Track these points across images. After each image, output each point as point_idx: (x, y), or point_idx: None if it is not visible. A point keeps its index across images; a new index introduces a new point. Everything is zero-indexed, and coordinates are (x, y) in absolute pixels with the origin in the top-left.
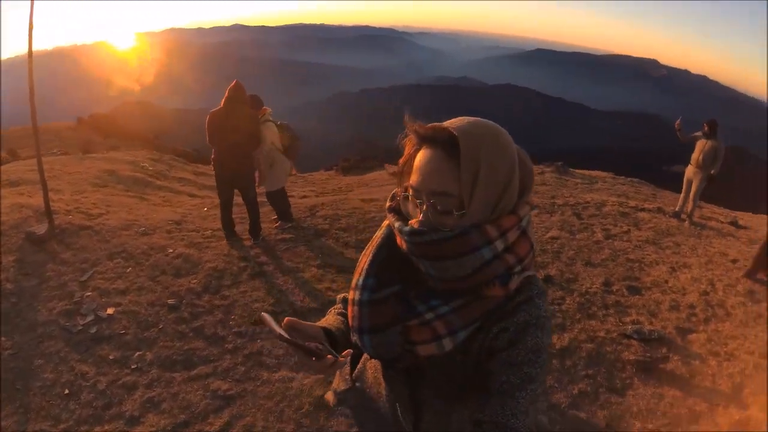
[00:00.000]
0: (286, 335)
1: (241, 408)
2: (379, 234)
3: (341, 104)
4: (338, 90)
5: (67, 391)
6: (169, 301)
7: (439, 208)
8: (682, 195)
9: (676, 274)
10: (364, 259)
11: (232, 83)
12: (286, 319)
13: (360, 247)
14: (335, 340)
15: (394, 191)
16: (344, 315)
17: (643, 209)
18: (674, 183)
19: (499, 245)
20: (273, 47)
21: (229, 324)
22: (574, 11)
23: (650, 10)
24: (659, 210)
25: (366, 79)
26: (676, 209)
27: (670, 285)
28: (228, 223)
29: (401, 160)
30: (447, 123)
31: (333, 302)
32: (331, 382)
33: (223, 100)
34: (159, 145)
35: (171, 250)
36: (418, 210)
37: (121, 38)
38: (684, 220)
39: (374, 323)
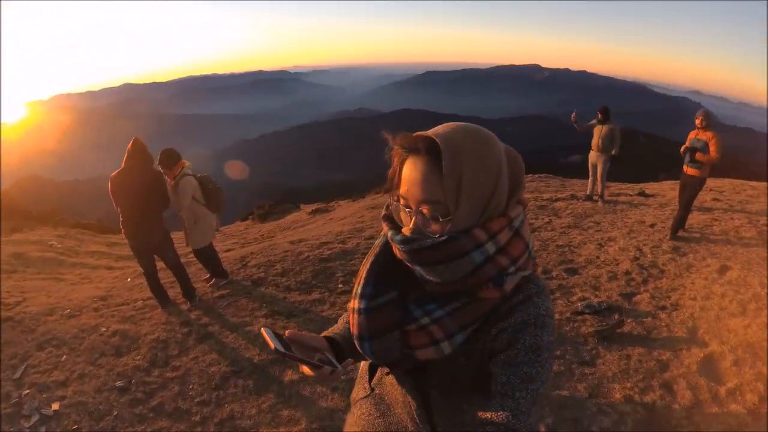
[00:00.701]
0: (281, 349)
1: None
2: (377, 243)
3: (242, 152)
4: (237, 138)
5: None
6: (117, 384)
7: (427, 215)
8: (590, 179)
9: (604, 249)
10: (363, 269)
11: (132, 141)
12: (287, 332)
13: (302, 288)
14: (340, 347)
15: (387, 203)
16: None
17: (557, 199)
18: (576, 171)
19: (490, 248)
20: (166, 102)
21: (189, 395)
22: (456, 32)
23: (527, 17)
24: (572, 197)
25: (264, 124)
26: (588, 193)
27: (602, 259)
28: (158, 290)
29: (390, 172)
30: (431, 131)
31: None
32: (321, 429)
33: (124, 159)
34: (61, 221)
35: (104, 329)
36: (409, 218)
37: (7, 111)
38: (597, 201)
39: (373, 330)
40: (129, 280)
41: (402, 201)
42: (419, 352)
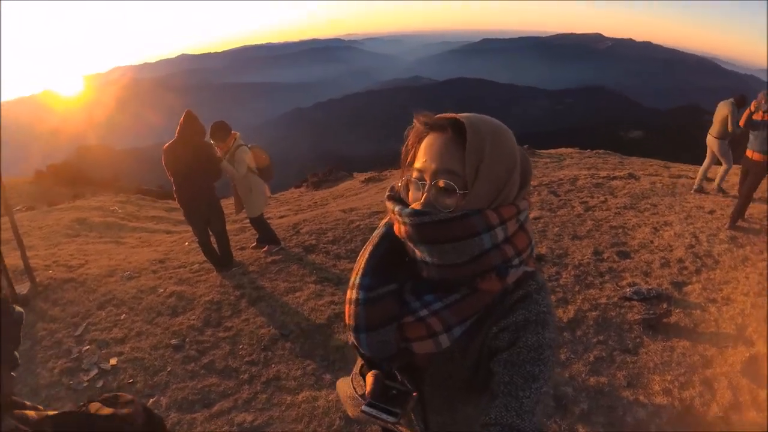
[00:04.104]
0: (396, 411)
1: None
2: (377, 233)
3: (297, 120)
4: (292, 106)
5: None
6: (172, 342)
7: (442, 185)
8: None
9: (659, 233)
10: (362, 259)
11: (184, 113)
12: (367, 394)
13: (351, 257)
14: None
15: (392, 185)
16: None
17: (614, 177)
18: (635, 149)
19: (500, 233)
20: (221, 72)
21: (239, 354)
22: None
23: None
24: (630, 176)
25: (318, 92)
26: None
27: (656, 244)
28: (212, 254)
29: (404, 150)
30: (454, 114)
31: (338, 316)
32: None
33: (176, 131)
34: (122, 187)
35: (162, 290)
36: (420, 193)
37: (68, 84)
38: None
39: (370, 322)
40: (186, 244)
41: (416, 175)
42: (416, 345)
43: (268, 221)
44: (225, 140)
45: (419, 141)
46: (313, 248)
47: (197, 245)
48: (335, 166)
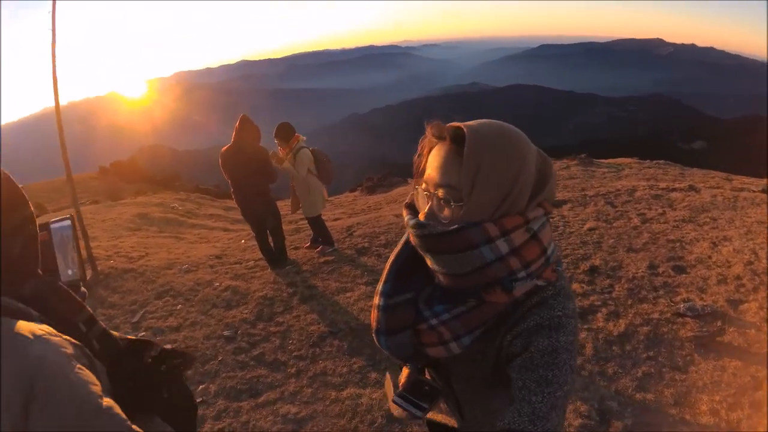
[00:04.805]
0: (424, 405)
1: (314, 429)
2: (401, 240)
3: (354, 125)
4: (349, 112)
5: None
6: (225, 333)
7: (441, 198)
8: None
9: (718, 249)
10: (386, 267)
11: (239, 118)
12: (401, 386)
13: None
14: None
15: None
16: None
17: (674, 189)
18: (696, 160)
19: (502, 246)
20: (279, 78)
21: (288, 349)
22: (573, 3)
23: None
24: (691, 188)
25: (375, 99)
26: None
27: (714, 260)
28: (268, 252)
29: (416, 158)
30: (463, 123)
31: None
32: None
33: (233, 135)
34: (182, 186)
35: (218, 284)
36: (426, 203)
37: (132, 87)
38: None
39: (389, 326)
40: (243, 242)
41: (423, 185)
42: (430, 350)
43: None
44: (288, 141)
45: (430, 151)
46: (366, 251)
47: (253, 243)
48: (390, 171)
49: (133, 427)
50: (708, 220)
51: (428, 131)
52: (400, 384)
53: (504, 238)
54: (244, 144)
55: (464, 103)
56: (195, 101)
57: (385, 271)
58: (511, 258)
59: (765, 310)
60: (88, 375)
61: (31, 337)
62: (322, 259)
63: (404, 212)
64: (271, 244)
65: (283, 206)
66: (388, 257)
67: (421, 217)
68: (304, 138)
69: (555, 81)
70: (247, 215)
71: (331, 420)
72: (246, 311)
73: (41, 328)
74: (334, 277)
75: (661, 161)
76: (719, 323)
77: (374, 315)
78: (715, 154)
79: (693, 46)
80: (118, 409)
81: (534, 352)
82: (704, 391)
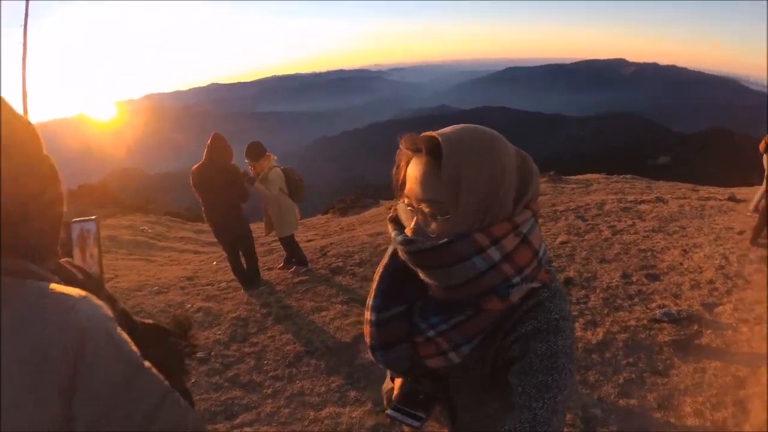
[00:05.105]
0: (421, 415)
1: None
2: (387, 252)
3: (324, 148)
4: (319, 135)
5: None
6: (198, 355)
7: (426, 211)
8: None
9: (689, 255)
10: (375, 280)
11: (211, 135)
12: (394, 397)
13: None
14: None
15: (396, 203)
16: None
17: (642, 201)
18: (664, 174)
19: (494, 254)
20: (250, 101)
21: (264, 369)
22: (539, 26)
23: (612, 12)
24: (659, 199)
25: (345, 121)
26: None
27: (685, 266)
28: (241, 272)
29: (394, 172)
30: (437, 132)
31: (364, 335)
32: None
33: (204, 154)
34: (153, 209)
35: (189, 305)
36: (411, 218)
37: (101, 109)
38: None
39: (383, 341)
40: (215, 263)
41: (405, 200)
42: (429, 362)
43: None
44: (258, 160)
45: (407, 163)
46: (340, 270)
47: (225, 264)
48: (362, 193)
49: (167, 383)
50: (677, 228)
51: (402, 144)
52: (394, 396)
53: (495, 246)
54: (216, 162)
55: (432, 125)
56: (166, 123)
57: (374, 286)
58: (504, 265)
59: (740, 311)
60: (126, 336)
61: (77, 296)
62: (296, 279)
63: (389, 227)
64: (244, 265)
65: (257, 229)
66: (364, 276)
67: (408, 232)
68: (275, 158)
69: (522, 102)
70: (219, 235)
71: None
72: (219, 332)
73: (81, 291)
74: (309, 296)
75: (628, 176)
76: (696, 326)
77: (367, 330)
78: (681, 167)
79: (655, 64)
80: (154, 369)
81: (533, 357)
82: (687, 393)
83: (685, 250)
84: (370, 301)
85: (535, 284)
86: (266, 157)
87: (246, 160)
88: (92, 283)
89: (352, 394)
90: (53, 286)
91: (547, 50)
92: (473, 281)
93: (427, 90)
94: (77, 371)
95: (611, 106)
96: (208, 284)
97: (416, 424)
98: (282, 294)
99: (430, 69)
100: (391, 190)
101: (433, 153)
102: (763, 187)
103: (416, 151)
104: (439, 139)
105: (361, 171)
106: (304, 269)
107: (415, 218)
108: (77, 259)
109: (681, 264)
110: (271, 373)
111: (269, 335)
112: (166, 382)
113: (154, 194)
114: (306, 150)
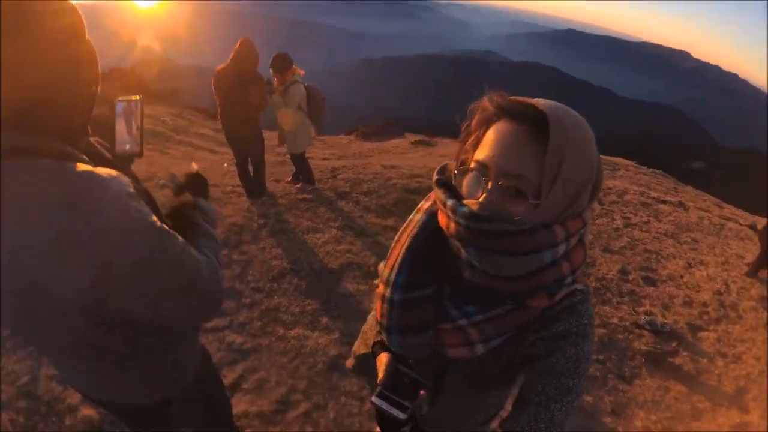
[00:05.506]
0: (406, 404)
1: (256, 362)
2: (415, 219)
3: (363, 70)
4: (361, 55)
5: None
6: None
7: (512, 188)
8: None
9: (692, 271)
10: (397, 250)
11: (240, 40)
12: (379, 381)
13: (380, 212)
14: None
15: (444, 164)
16: None
17: (664, 201)
18: (694, 179)
19: (561, 249)
20: (296, 7)
21: (247, 279)
22: None
23: (688, 3)
24: (680, 204)
25: (389, 47)
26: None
27: (685, 280)
28: (247, 180)
29: (465, 128)
30: (533, 100)
31: (351, 265)
32: (349, 344)
33: (230, 57)
34: (178, 101)
35: None
36: (481, 190)
37: None
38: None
39: (405, 324)
40: (226, 165)
41: (476, 166)
42: (451, 351)
43: (309, 160)
44: (283, 73)
45: (487, 125)
46: (345, 195)
47: (234, 168)
48: (389, 122)
49: (182, 239)
50: (689, 240)
51: (489, 102)
52: (379, 378)
53: (565, 242)
54: (241, 66)
55: (476, 70)
56: (206, 19)
57: (397, 257)
58: (564, 263)
59: (722, 343)
60: (146, 208)
61: (107, 176)
62: (300, 196)
63: (439, 192)
64: (251, 173)
65: (273, 137)
66: (366, 206)
67: (475, 205)
68: (302, 73)
69: (573, 68)
70: (231, 140)
71: (273, 356)
72: None
73: (112, 171)
74: (308, 215)
75: (658, 171)
76: (675, 344)
77: (383, 309)
78: (713, 178)
79: (718, 68)
80: (173, 231)
81: (560, 358)
82: (643, 407)
83: (690, 264)
84: (391, 276)
85: (578, 286)
86: (291, 70)
87: (270, 70)
88: (120, 161)
89: (324, 320)
90: (85, 167)
91: (612, 22)
92: (533, 275)
93: (477, 32)
94: (111, 245)
95: (662, 96)
96: (213, 185)
97: (402, 416)
98: (282, 208)
99: (486, 9)
100: (416, 123)
101: (533, 125)
102: None
103: (510, 115)
104: (547, 113)
105: (394, 100)
106: (310, 188)
107: (485, 192)
108: (118, 136)
109: (681, 277)
110: (252, 284)
111: (260, 246)
112: (182, 239)
113: (181, 86)
114: (345, 68)
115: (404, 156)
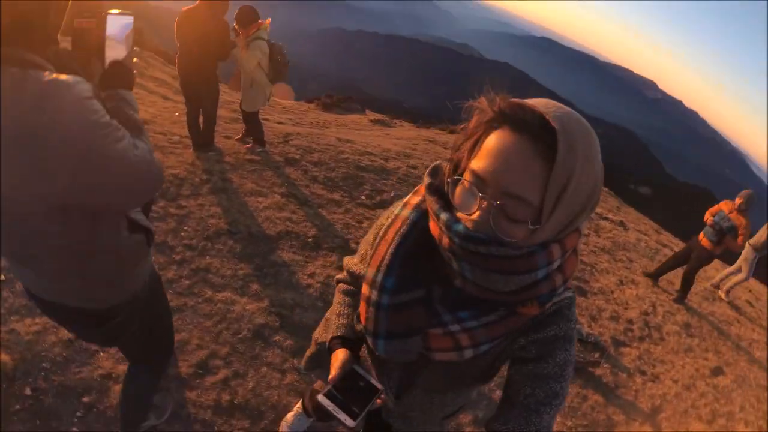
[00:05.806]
0: (355, 410)
1: (178, 322)
2: (402, 215)
3: (335, 39)
4: (334, 24)
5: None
6: None
7: (509, 214)
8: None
9: (622, 288)
10: (382, 249)
11: None
12: (330, 379)
13: (327, 184)
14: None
15: (437, 164)
16: (350, 306)
17: (606, 218)
18: (638, 203)
19: (555, 265)
20: None
21: (180, 235)
22: (590, 13)
23: (662, 36)
24: (621, 223)
25: (365, 21)
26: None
27: (615, 296)
28: (195, 131)
29: (461, 130)
30: (537, 104)
31: (289, 233)
32: (277, 314)
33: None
34: (140, 41)
35: None
36: (476, 205)
37: None
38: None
39: (393, 329)
40: (177, 114)
41: (471, 178)
42: (438, 354)
43: (264, 122)
44: (247, 27)
45: (486, 131)
46: (295, 162)
47: (185, 119)
48: (352, 96)
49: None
50: (624, 258)
51: (491, 105)
52: (330, 377)
53: (560, 258)
54: (208, 11)
55: (448, 60)
56: None
57: (385, 261)
58: (557, 275)
59: (642, 361)
60: (102, 107)
61: (71, 80)
62: (247, 156)
63: (432, 201)
64: (201, 125)
65: (229, 92)
66: (314, 177)
67: (468, 222)
68: (268, 29)
69: (541, 75)
70: (185, 85)
71: (197, 318)
72: None
73: (77, 78)
74: (253, 178)
75: (606, 189)
76: (597, 355)
77: (368, 312)
78: (657, 206)
79: (681, 103)
80: (117, 124)
81: (550, 363)
82: (560, 411)
83: (621, 281)
84: (378, 277)
85: (568, 293)
86: (256, 24)
87: (233, 24)
88: (84, 72)
89: (254, 287)
90: (51, 75)
91: (587, 40)
92: (525, 290)
93: (458, 24)
94: (72, 141)
95: (622, 119)
96: (160, 132)
97: (349, 423)
98: (228, 166)
99: (470, 4)
100: (378, 103)
101: (538, 137)
102: (734, 269)
103: (514, 123)
104: (555, 125)
105: (360, 75)
106: (259, 149)
107: (480, 210)
108: (110, 50)
109: (612, 292)
110: (185, 241)
111: (199, 203)
112: (124, 132)
113: (151, 26)
114: (315, 34)
115: (361, 133)
